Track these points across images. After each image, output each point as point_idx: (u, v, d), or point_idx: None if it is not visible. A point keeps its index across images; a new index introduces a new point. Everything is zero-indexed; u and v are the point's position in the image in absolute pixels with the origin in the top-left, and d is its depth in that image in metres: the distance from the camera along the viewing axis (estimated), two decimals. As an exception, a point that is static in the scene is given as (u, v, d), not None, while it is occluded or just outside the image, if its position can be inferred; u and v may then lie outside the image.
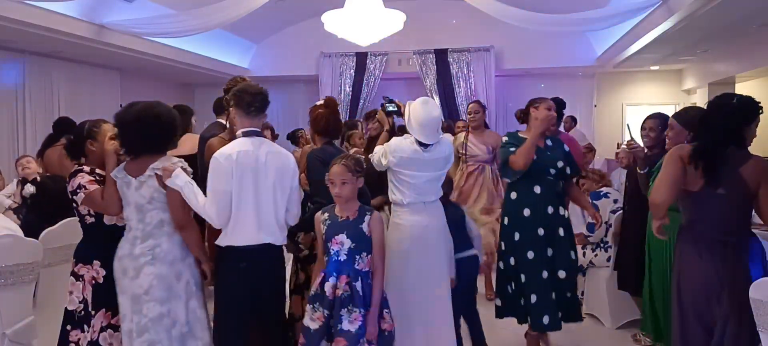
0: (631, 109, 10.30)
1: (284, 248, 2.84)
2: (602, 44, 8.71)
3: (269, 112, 2.96)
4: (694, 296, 2.52)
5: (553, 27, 7.12)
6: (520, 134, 3.53)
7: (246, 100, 2.66)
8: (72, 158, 2.88)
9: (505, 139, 3.57)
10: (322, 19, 6.36)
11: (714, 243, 2.48)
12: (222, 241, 2.63)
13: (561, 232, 3.45)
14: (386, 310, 2.68)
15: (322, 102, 3.27)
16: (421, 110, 2.98)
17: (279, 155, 2.69)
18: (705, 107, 2.67)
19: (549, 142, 3.52)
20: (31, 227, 3.42)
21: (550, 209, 3.43)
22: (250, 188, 2.60)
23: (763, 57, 7.14)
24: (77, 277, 2.75)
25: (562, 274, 3.43)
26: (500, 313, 3.61)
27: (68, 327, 2.80)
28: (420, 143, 2.96)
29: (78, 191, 2.68)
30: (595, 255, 4.30)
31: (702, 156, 2.46)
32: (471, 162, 4.92)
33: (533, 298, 3.38)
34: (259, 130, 2.72)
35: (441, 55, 9.68)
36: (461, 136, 5.09)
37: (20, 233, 3.44)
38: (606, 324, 4.27)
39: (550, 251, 3.43)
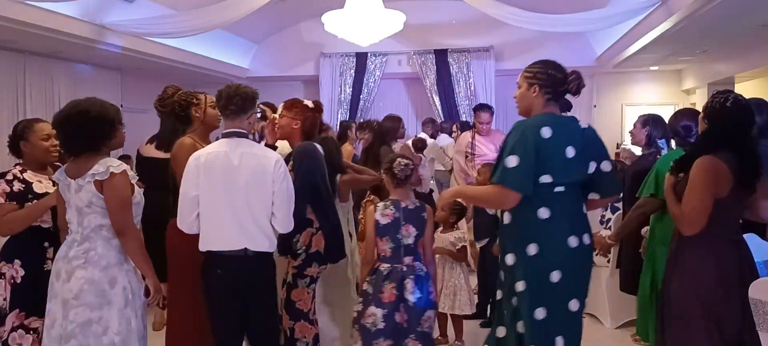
0: (630, 110, 10.29)
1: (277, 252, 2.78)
2: (602, 44, 8.71)
3: (269, 113, 2.96)
4: (722, 299, 2.40)
5: (553, 27, 7.12)
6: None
7: (221, 102, 2.62)
8: (14, 155, 2.96)
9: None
10: (322, 20, 6.37)
11: (730, 243, 2.44)
12: (201, 246, 2.59)
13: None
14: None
15: (312, 104, 3.20)
16: None
17: (256, 157, 2.57)
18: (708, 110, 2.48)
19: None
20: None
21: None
22: (221, 190, 2.52)
23: (763, 57, 7.14)
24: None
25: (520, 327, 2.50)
26: None
27: None
28: None
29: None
30: (597, 254, 4.30)
31: (750, 168, 2.36)
32: (479, 162, 5.02)
33: None
34: (242, 131, 2.62)
35: (441, 55, 9.67)
36: (468, 135, 5.20)
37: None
38: (606, 324, 4.27)
39: (514, 300, 2.53)
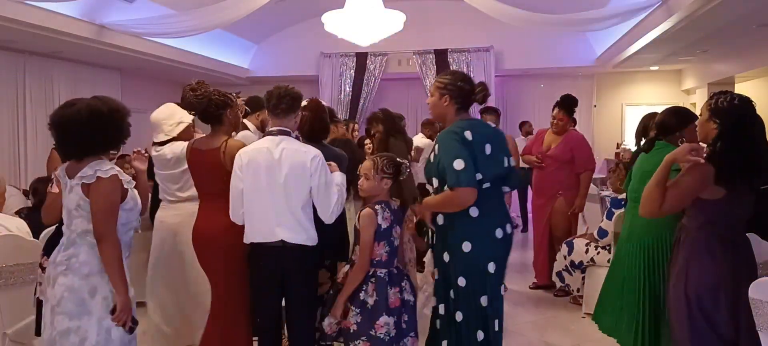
0: (630, 110, 10.31)
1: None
2: (602, 44, 8.72)
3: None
4: (709, 297, 2.42)
5: (553, 27, 7.13)
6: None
7: (272, 102, 2.81)
8: None
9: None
10: (322, 20, 6.36)
11: (727, 243, 2.44)
12: (245, 238, 2.78)
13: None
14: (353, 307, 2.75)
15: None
16: None
17: (296, 153, 2.72)
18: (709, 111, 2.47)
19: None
20: (36, 227, 3.44)
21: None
22: (263, 185, 2.70)
23: (763, 57, 7.15)
24: (43, 268, 2.83)
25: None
26: None
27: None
28: None
29: (50, 185, 2.81)
30: (598, 253, 4.31)
31: (753, 172, 2.34)
32: None
33: None
34: (286, 129, 2.80)
35: (441, 56, 9.68)
36: None
37: (27, 231, 3.47)
38: (606, 324, 4.27)
39: (452, 293, 2.78)
